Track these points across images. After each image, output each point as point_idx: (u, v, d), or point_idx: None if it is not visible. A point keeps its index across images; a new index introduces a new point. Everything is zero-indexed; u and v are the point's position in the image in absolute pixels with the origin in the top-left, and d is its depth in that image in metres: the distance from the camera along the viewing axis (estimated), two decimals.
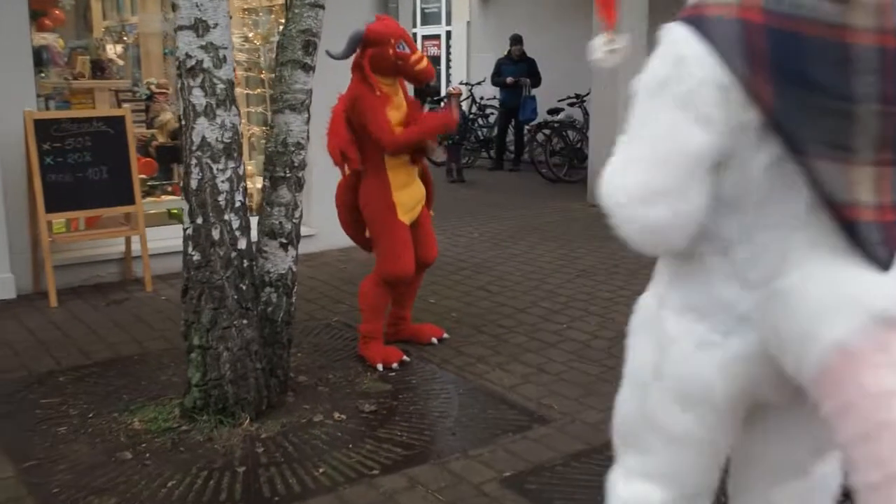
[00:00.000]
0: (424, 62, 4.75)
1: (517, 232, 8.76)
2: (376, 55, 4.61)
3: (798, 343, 1.73)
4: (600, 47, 2.40)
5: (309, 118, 4.21)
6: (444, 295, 6.27)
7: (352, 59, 4.65)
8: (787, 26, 1.69)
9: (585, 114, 12.94)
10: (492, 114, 14.56)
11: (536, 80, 13.25)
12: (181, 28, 3.70)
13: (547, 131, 12.83)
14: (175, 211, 7.63)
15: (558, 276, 6.89)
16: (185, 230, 3.91)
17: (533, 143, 13.20)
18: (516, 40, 13.46)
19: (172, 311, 5.80)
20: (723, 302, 1.88)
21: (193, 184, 3.81)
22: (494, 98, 14.34)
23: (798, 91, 1.71)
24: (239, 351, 3.95)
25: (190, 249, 3.88)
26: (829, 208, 1.74)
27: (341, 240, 5.38)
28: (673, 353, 1.95)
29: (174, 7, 3.72)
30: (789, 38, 1.69)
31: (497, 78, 13.48)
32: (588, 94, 12.63)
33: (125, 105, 7.33)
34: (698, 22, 1.75)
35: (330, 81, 4.72)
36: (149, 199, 6.96)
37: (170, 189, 7.46)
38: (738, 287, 1.87)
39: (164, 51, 8.19)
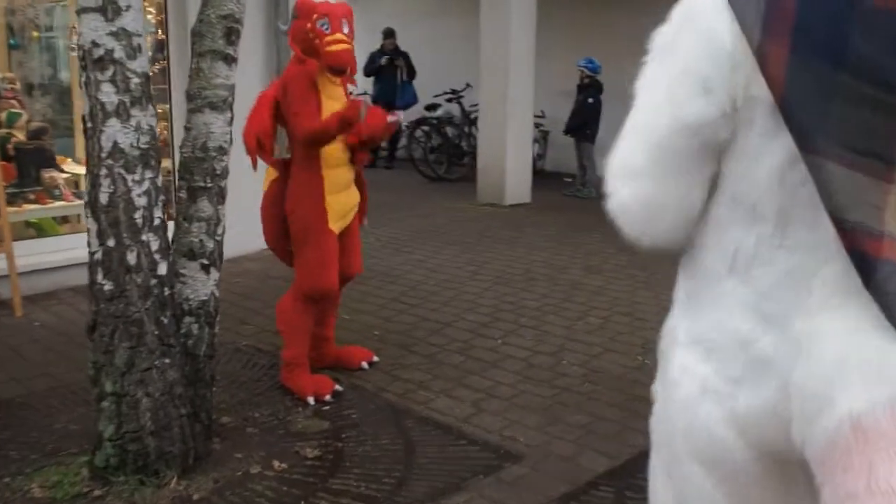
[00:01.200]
0: (340, 45, 4.03)
1: (415, 235, 8.27)
2: (296, 28, 4.10)
3: (808, 405, 1.31)
4: None
5: (232, 118, 3.59)
6: (358, 309, 5.71)
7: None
8: None
9: (463, 110, 12.56)
10: None
11: (411, 73, 12.80)
12: (85, 10, 3.03)
13: (426, 128, 12.37)
14: (36, 222, 6.77)
15: (474, 285, 6.44)
16: (91, 255, 3.24)
17: (411, 139, 12.71)
18: (389, 34, 12.97)
19: (52, 340, 5.04)
20: (737, 337, 1.43)
21: (103, 199, 3.15)
22: (366, 94, 13.78)
23: (822, 65, 1.26)
24: (161, 396, 3.31)
25: (100, 278, 3.22)
26: (838, 231, 1.29)
27: (229, 248, 4.63)
28: (676, 397, 1.50)
29: None
30: None
31: (370, 66, 12.93)
32: (465, 88, 12.26)
33: None
34: None
35: (251, 76, 4.08)
36: (10, 208, 6.08)
37: (32, 197, 6.58)
38: (756, 320, 1.41)
39: (11, 41, 7.24)
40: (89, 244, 3.24)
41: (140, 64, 3.11)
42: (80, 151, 6.68)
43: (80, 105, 5.25)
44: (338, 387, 4.31)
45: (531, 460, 3.69)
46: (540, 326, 5.49)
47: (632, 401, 4.38)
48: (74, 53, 5.15)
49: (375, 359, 4.73)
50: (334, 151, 4.20)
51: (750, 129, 1.37)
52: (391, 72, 12.84)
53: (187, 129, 3.55)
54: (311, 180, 4.17)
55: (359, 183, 4.42)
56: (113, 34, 3.02)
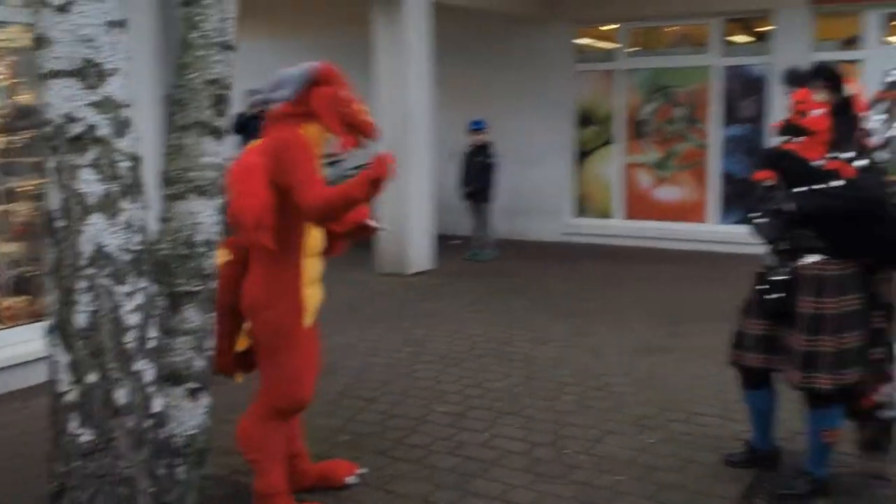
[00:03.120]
0: (368, 115, 3.62)
1: (330, 315, 7.47)
2: (331, 96, 3.49)
3: None
4: None
5: (224, 204, 2.91)
6: (307, 410, 4.98)
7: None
8: None
9: (344, 176, 11.98)
10: None
11: None
12: (56, 74, 2.31)
13: None
14: None
15: (423, 369, 5.84)
16: (60, 396, 2.47)
17: None
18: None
19: None
20: None
21: (81, 320, 2.42)
22: None
23: None
24: None
25: (74, 427, 2.46)
26: None
27: None
28: None
29: (39, 41, 2.33)
30: None
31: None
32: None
33: None
34: None
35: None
36: None
37: None
38: None
39: None
40: (57, 382, 2.48)
41: (130, 143, 2.42)
42: None
43: None
44: None
45: None
46: (520, 412, 4.95)
47: (661, 490, 3.93)
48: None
49: (361, 471, 4.05)
50: (314, 239, 3.57)
51: None
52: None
53: (165, 220, 2.84)
54: (288, 271, 3.50)
55: None
56: (95, 105, 2.32)
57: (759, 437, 4.16)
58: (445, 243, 10.99)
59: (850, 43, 10.44)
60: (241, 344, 3.67)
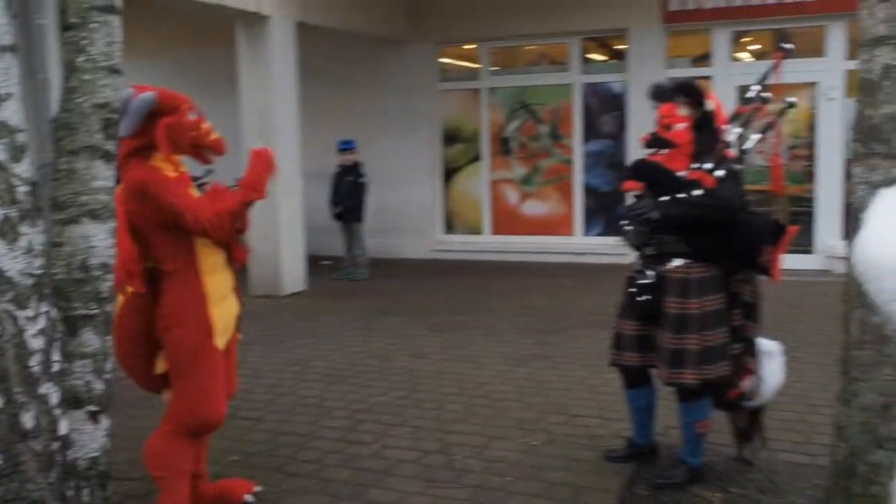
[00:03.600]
0: (215, 133, 3.68)
1: None
2: (173, 126, 3.47)
3: None
4: None
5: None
6: None
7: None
8: None
9: None
10: None
11: None
12: None
13: None
14: None
15: (308, 387, 5.90)
16: None
17: None
18: None
19: None
20: None
21: None
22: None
23: None
24: None
25: None
26: None
27: None
28: None
29: None
30: None
31: None
32: (206, 174, 11.24)
33: None
34: None
35: None
36: None
37: None
38: None
39: None
40: None
41: (25, 168, 2.43)
42: None
43: None
44: None
45: None
46: (407, 423, 5.06)
47: (549, 488, 4.11)
48: None
49: (258, 488, 4.08)
50: (211, 254, 3.61)
51: None
52: None
53: (57, 244, 2.84)
54: (190, 290, 3.52)
55: (235, 289, 3.82)
56: None
57: (638, 433, 4.39)
58: (317, 264, 11.02)
59: (701, 60, 11.00)
60: (161, 367, 3.66)
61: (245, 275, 9.45)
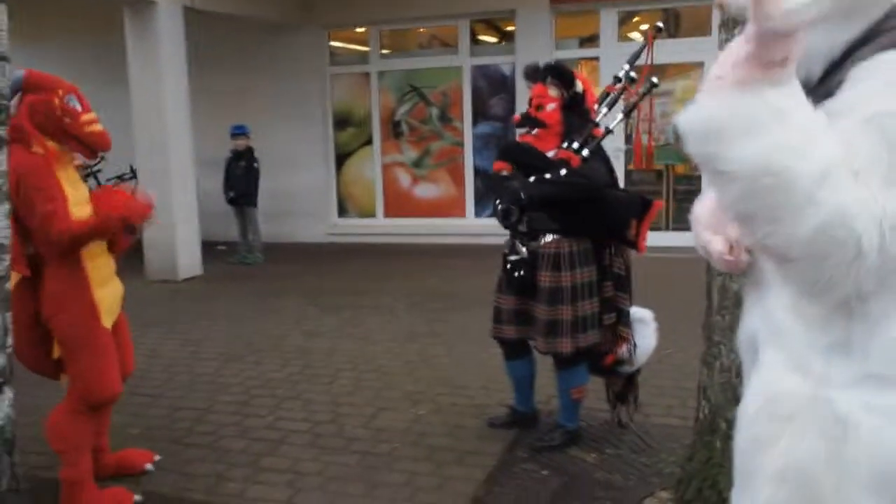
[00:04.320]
0: (98, 126, 3.73)
1: None
2: (37, 104, 3.56)
3: None
4: None
5: (12, 210, 3.10)
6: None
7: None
8: None
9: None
10: None
11: None
12: None
13: None
14: None
15: (204, 365, 6.07)
16: None
17: None
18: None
19: None
20: None
21: None
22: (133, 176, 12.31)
23: None
24: None
25: None
26: None
27: None
28: (860, 433, 1.59)
29: None
30: None
31: None
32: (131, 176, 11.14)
33: None
34: None
35: None
36: None
37: None
38: None
39: None
40: None
41: None
42: None
43: None
44: (137, 497, 3.84)
45: None
46: (300, 396, 5.30)
47: (434, 452, 4.38)
48: None
49: (157, 458, 4.28)
50: (96, 244, 3.77)
51: None
52: None
53: None
54: (72, 276, 3.67)
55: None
56: None
57: (520, 400, 4.67)
58: (212, 249, 11.09)
59: (589, 41, 11.30)
60: (56, 352, 3.79)
61: (140, 260, 9.51)
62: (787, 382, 1.65)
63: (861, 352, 1.57)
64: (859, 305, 1.54)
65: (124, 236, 3.89)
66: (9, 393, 3.09)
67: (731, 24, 3.34)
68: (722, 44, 3.39)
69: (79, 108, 3.67)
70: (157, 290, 9.02)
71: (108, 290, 3.81)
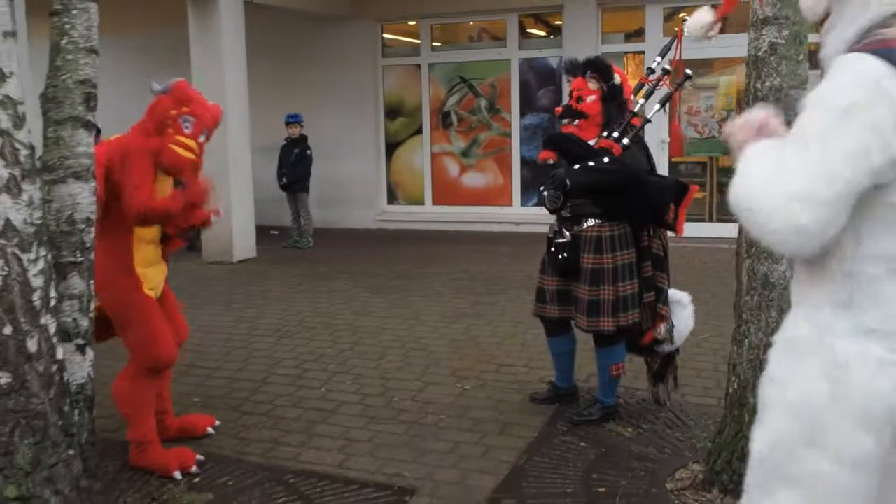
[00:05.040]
0: (186, 152, 4.01)
1: None
2: (159, 106, 4.03)
3: None
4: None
5: (96, 187, 3.39)
6: None
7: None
8: None
9: None
10: None
11: None
12: None
13: None
14: None
15: (260, 341, 6.37)
16: None
17: None
18: None
19: None
20: None
21: None
22: None
23: None
24: (70, 492, 3.04)
25: None
26: None
27: None
28: (853, 377, 1.92)
29: None
30: None
31: None
32: None
33: None
34: (890, 54, 1.84)
35: None
36: None
37: None
38: None
39: None
40: None
41: (26, 134, 2.88)
42: None
43: None
44: (199, 456, 4.13)
45: (427, 491, 3.82)
46: (350, 371, 5.56)
47: (478, 424, 4.61)
48: None
49: (218, 423, 4.57)
50: (151, 231, 4.09)
51: None
52: None
53: (47, 201, 3.28)
54: (119, 252, 3.99)
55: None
56: None
57: (560, 377, 4.89)
58: (265, 233, 11.43)
59: (635, 36, 11.44)
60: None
61: (198, 242, 9.87)
62: (801, 330, 2.02)
63: (858, 307, 1.92)
64: (855, 266, 1.92)
65: (180, 236, 4.22)
66: (90, 354, 3.38)
67: (760, 25, 3.52)
68: (751, 42, 3.60)
69: (186, 129, 4.02)
70: (214, 271, 9.36)
71: (150, 270, 4.13)
